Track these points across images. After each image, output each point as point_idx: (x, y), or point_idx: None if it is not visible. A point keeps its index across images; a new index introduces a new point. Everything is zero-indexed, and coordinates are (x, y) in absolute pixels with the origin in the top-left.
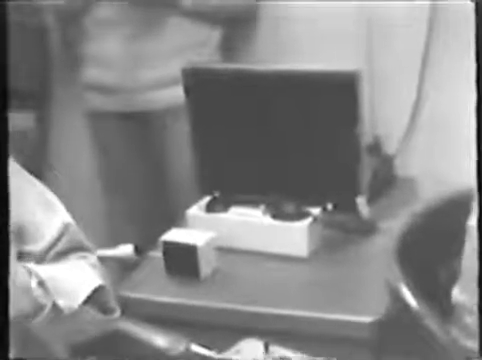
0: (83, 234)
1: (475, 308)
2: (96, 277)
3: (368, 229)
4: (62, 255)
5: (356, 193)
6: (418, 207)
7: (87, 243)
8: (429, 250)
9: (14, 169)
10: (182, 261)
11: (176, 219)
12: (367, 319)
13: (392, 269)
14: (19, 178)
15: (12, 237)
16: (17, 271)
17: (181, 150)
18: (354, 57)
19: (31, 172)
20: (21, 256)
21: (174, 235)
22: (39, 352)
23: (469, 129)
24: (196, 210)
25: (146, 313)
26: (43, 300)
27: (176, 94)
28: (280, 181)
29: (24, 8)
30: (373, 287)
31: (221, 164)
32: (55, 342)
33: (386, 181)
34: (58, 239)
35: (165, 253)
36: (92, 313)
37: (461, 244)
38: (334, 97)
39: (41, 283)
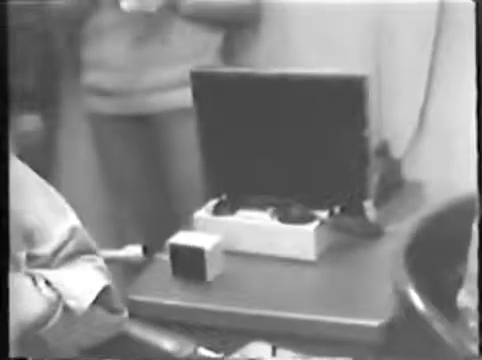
0: (90, 237)
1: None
2: (103, 278)
3: (375, 233)
4: (70, 258)
5: (363, 197)
6: (426, 211)
7: (94, 246)
8: (436, 254)
9: (23, 171)
10: (189, 264)
11: (181, 222)
12: (374, 322)
13: (400, 272)
14: (28, 180)
15: (21, 240)
16: (21, 278)
17: (185, 153)
18: (361, 60)
19: (38, 173)
20: (29, 259)
21: (181, 238)
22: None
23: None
24: (203, 213)
25: (153, 316)
26: (55, 299)
27: (179, 97)
28: (287, 184)
29: (30, 11)
30: (380, 290)
31: (228, 167)
32: (65, 346)
33: (393, 185)
34: (66, 242)
35: (172, 256)
36: (101, 314)
37: (467, 248)
38: (342, 101)
39: (48, 283)
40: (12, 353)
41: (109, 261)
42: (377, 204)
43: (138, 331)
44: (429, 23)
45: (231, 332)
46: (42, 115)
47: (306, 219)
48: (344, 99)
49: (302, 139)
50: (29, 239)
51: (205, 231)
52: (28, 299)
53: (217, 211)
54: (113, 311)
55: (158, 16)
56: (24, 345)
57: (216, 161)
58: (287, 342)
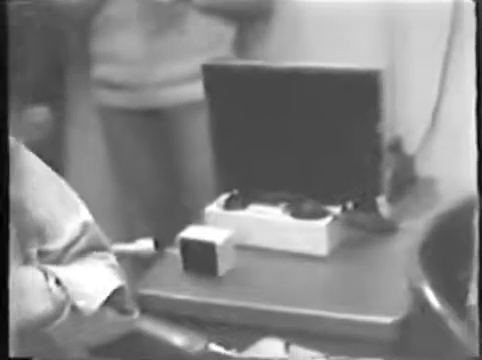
0: (102, 233)
1: None
2: (115, 278)
3: (388, 229)
4: (81, 254)
5: (377, 192)
6: (440, 208)
7: (106, 242)
8: (450, 251)
9: (35, 164)
10: (200, 258)
11: (192, 216)
12: (387, 319)
13: (414, 270)
14: (40, 173)
15: (32, 235)
16: (33, 273)
17: (196, 147)
18: (374, 56)
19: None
20: (40, 255)
21: (192, 232)
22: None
23: None
24: (214, 207)
25: (164, 311)
26: (63, 299)
27: (191, 91)
28: (300, 179)
29: (38, 4)
30: (393, 287)
31: (240, 161)
32: (73, 344)
33: (406, 181)
34: (78, 238)
35: (183, 250)
36: (111, 314)
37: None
38: (356, 95)
39: (59, 282)
40: (13, 348)
41: (120, 255)
42: (390, 200)
43: (148, 326)
44: (444, 20)
45: (242, 327)
46: (51, 107)
47: (318, 214)
48: (358, 93)
49: (315, 134)
50: (41, 234)
51: (216, 226)
52: (36, 296)
53: (228, 206)
54: (124, 312)
55: (171, 8)
56: (26, 341)
57: (228, 155)
58: (298, 338)
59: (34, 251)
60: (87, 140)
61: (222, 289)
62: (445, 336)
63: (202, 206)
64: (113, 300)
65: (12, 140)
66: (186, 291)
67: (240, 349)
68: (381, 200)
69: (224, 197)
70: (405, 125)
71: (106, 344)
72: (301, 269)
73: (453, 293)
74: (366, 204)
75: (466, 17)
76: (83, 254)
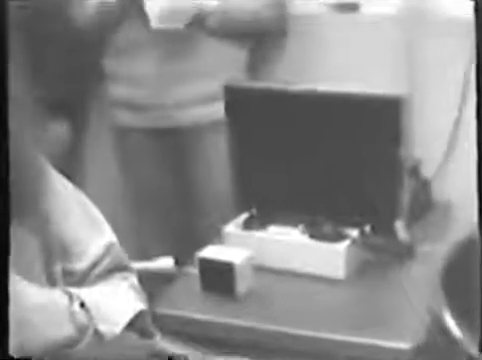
0: (124, 253)
1: None
2: (137, 301)
3: (406, 253)
4: (105, 275)
5: (395, 216)
6: (460, 233)
7: (128, 263)
8: (472, 278)
9: (61, 183)
10: (218, 278)
11: (210, 236)
12: (405, 345)
13: (434, 295)
14: (66, 193)
15: (58, 254)
16: (57, 296)
17: (212, 167)
18: (392, 78)
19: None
20: (65, 274)
21: (211, 252)
22: None
23: None
24: (233, 227)
25: (181, 330)
26: (86, 323)
27: (206, 112)
28: (319, 201)
29: (58, 17)
30: (411, 312)
31: (259, 182)
32: None
33: (424, 205)
34: (102, 258)
35: (201, 270)
36: (133, 338)
37: None
38: (378, 120)
39: (83, 305)
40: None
41: (140, 273)
42: (408, 224)
43: (166, 347)
44: (464, 41)
45: (258, 349)
46: (70, 123)
47: (337, 237)
48: (379, 118)
49: (334, 156)
50: (65, 253)
51: (235, 245)
52: (59, 320)
53: (247, 226)
54: (145, 335)
55: (186, 33)
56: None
57: (247, 175)
58: None
59: (59, 271)
60: (104, 158)
61: (239, 309)
62: None
63: (219, 226)
64: (135, 323)
65: (40, 158)
66: (203, 311)
67: None
68: (399, 224)
69: (243, 217)
70: (423, 149)
71: None
72: (318, 292)
73: (473, 321)
74: (384, 228)
75: None
76: (107, 275)
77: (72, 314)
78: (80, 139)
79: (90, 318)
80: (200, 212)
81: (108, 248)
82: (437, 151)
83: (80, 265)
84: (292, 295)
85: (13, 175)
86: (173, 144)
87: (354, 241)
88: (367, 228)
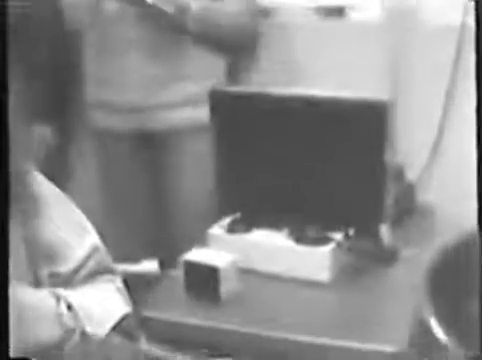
0: (109, 256)
1: None
2: (123, 303)
3: (390, 257)
4: (90, 277)
5: (379, 220)
6: (447, 237)
7: (113, 265)
8: (458, 282)
9: (46, 187)
10: (203, 282)
11: (193, 239)
12: (389, 348)
13: (421, 300)
14: (51, 196)
15: (43, 256)
16: (45, 297)
17: (191, 171)
18: (376, 82)
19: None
20: (51, 276)
21: (196, 255)
22: None
23: None
24: (217, 230)
25: (165, 334)
26: (73, 325)
27: (187, 115)
28: (303, 204)
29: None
30: (395, 315)
31: (243, 185)
32: None
33: (407, 209)
34: (87, 261)
35: (186, 273)
36: (118, 340)
37: None
38: (363, 125)
39: (70, 308)
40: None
41: (124, 275)
42: (391, 228)
43: (151, 350)
44: (448, 45)
45: (242, 353)
46: (53, 126)
47: (322, 241)
48: (364, 123)
49: (319, 160)
50: (51, 256)
51: (219, 248)
52: (46, 321)
53: (232, 229)
54: (130, 337)
55: (168, 35)
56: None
57: (231, 179)
58: None
59: (45, 273)
60: (88, 161)
61: (223, 313)
62: None
63: (202, 230)
64: (121, 326)
65: (24, 163)
66: (187, 314)
67: None
68: (383, 228)
69: (228, 220)
70: (406, 153)
71: None
72: (303, 295)
73: (459, 325)
74: (368, 231)
75: (471, 43)
76: (92, 277)
77: (59, 315)
78: (64, 142)
79: (77, 320)
80: (184, 215)
81: (93, 251)
82: (421, 155)
83: (65, 268)
84: (276, 299)
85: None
86: (154, 147)
87: (338, 244)
88: (351, 232)
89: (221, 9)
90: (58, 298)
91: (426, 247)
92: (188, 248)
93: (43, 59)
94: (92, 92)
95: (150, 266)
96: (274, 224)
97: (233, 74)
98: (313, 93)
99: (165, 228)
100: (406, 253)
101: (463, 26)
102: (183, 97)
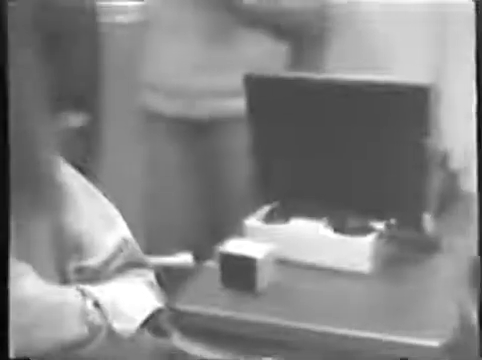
0: (140, 249)
1: None
2: (154, 299)
3: (433, 246)
4: (120, 271)
5: (422, 209)
6: None
7: (144, 259)
8: None
9: (73, 177)
10: (239, 273)
11: (232, 229)
12: (433, 342)
13: (464, 292)
14: (79, 188)
15: (70, 250)
16: (70, 294)
17: (237, 160)
18: (423, 68)
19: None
20: (78, 271)
21: (232, 246)
22: None
23: None
24: (254, 221)
25: (200, 326)
26: (99, 322)
27: (236, 104)
28: (343, 193)
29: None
30: (439, 308)
31: (282, 174)
32: None
33: (451, 197)
34: (116, 254)
35: (222, 264)
36: (149, 336)
37: None
38: (404, 110)
39: (97, 304)
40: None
41: (158, 268)
42: (435, 217)
43: (183, 345)
44: None
45: (280, 346)
46: (88, 114)
47: (362, 230)
48: (407, 108)
49: (361, 147)
50: (79, 250)
51: (256, 239)
52: (72, 319)
53: (269, 219)
54: (161, 333)
55: (227, 19)
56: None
57: (269, 167)
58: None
59: (72, 268)
60: (124, 147)
61: (260, 305)
62: None
63: (242, 219)
64: (151, 322)
65: (51, 154)
66: (223, 307)
67: None
68: (426, 217)
69: (265, 210)
70: (451, 139)
71: None
72: (343, 287)
73: None
74: (410, 221)
75: None
76: (121, 271)
77: (85, 313)
78: (98, 130)
79: (104, 317)
80: (223, 205)
81: (122, 244)
82: (466, 142)
83: (93, 262)
84: (315, 290)
85: (26, 172)
86: (199, 134)
87: (380, 234)
88: (393, 221)
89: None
90: (84, 295)
91: (471, 236)
92: (229, 238)
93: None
94: (142, 75)
95: (184, 259)
96: (313, 214)
97: (297, 62)
98: (353, 77)
99: (208, 217)
100: (449, 242)
101: None
102: (234, 84)
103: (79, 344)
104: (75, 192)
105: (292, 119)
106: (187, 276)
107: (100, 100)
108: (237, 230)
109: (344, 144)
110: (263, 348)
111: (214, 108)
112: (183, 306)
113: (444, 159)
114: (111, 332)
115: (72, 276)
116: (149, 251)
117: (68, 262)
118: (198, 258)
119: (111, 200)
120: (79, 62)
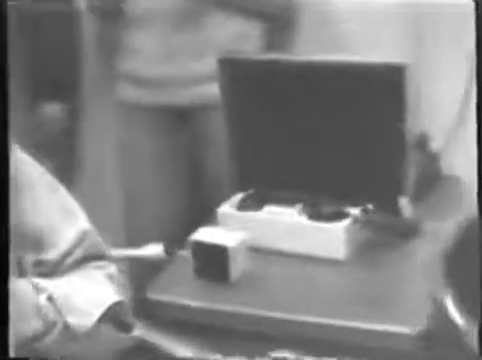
0: (102, 242)
1: None
2: (112, 291)
3: (410, 231)
4: (78, 264)
5: (399, 193)
6: (467, 211)
7: (106, 251)
8: (476, 260)
9: (32, 168)
10: (212, 262)
11: (205, 218)
12: (408, 330)
13: (436, 279)
14: (37, 179)
15: (28, 243)
16: (23, 288)
17: (211, 146)
18: (401, 49)
19: (58, 164)
20: (36, 265)
21: (204, 234)
22: None
23: None
24: (227, 208)
25: (172, 317)
26: (54, 317)
27: (209, 90)
28: (318, 178)
29: None
30: (415, 295)
31: (256, 160)
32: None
33: (431, 180)
34: (75, 247)
35: (194, 254)
36: (108, 331)
37: None
38: (379, 91)
39: (51, 299)
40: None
41: (129, 260)
42: (413, 201)
43: (152, 337)
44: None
45: (254, 336)
46: (64, 104)
47: (337, 216)
48: (382, 89)
49: (335, 130)
50: (38, 244)
51: (229, 227)
52: (25, 313)
53: (243, 206)
54: (122, 327)
55: (197, 5)
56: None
57: (242, 153)
58: (313, 348)
59: (29, 261)
60: (101, 136)
61: (234, 295)
62: (465, 352)
63: (213, 207)
64: (110, 316)
65: (14, 146)
66: (195, 297)
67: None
68: (403, 201)
69: (238, 197)
70: (430, 121)
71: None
72: (317, 274)
73: (474, 306)
74: (387, 205)
75: None
76: (80, 264)
77: (39, 308)
78: (77, 120)
79: (59, 312)
80: (198, 193)
81: (82, 236)
82: (446, 123)
83: (52, 254)
84: (289, 278)
85: None
86: (175, 122)
87: (355, 220)
88: (369, 206)
89: None
90: (37, 289)
91: (450, 221)
92: (202, 226)
93: (51, 32)
94: (118, 63)
95: (154, 250)
96: (287, 200)
97: (269, 45)
98: (327, 58)
99: (182, 206)
100: (428, 227)
101: None
102: (206, 69)
103: (35, 338)
104: (31, 182)
105: (266, 104)
106: (159, 268)
107: (78, 89)
108: (210, 218)
109: (319, 127)
110: (237, 339)
111: (194, 95)
112: (154, 296)
113: (423, 141)
114: (66, 327)
115: (29, 269)
116: (129, 242)
117: (25, 255)
118: (171, 249)
119: (90, 192)
120: (56, 50)
